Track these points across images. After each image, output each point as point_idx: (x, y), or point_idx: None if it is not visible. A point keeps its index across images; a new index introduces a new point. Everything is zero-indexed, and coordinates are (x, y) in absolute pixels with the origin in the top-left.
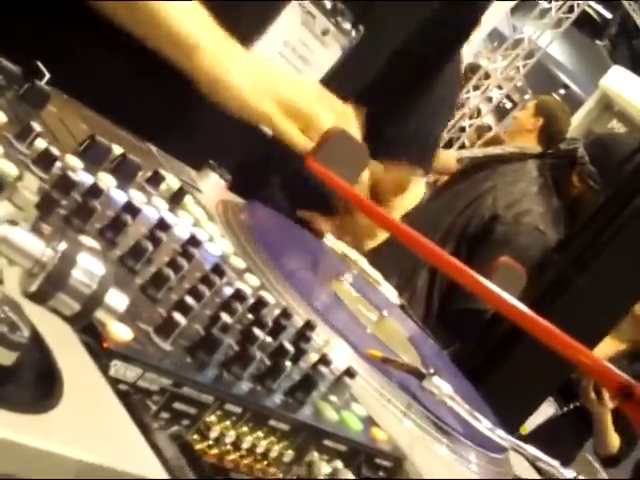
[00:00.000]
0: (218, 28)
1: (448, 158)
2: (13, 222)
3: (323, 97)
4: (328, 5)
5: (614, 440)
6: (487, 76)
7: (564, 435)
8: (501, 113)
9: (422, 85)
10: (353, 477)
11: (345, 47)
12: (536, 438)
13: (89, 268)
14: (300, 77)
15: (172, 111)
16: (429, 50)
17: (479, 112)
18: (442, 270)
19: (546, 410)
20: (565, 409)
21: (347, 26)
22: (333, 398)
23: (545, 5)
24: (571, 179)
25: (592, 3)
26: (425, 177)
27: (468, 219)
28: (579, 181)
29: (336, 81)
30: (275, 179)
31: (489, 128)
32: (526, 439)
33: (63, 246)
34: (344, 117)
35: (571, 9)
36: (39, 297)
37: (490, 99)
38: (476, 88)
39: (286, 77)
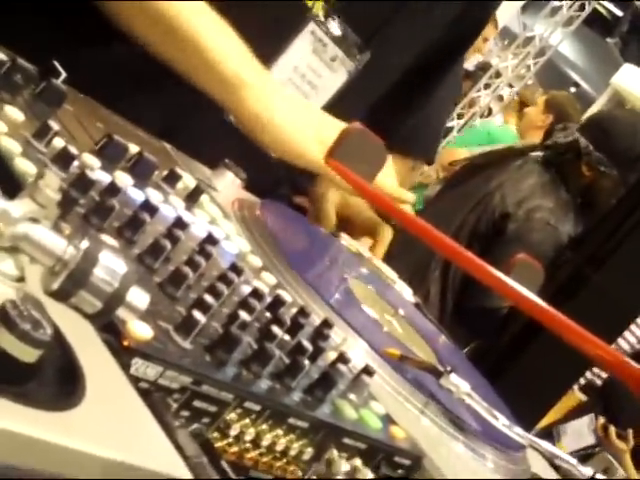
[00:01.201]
0: (259, 64)
1: (458, 154)
2: (35, 220)
3: None
4: (338, 32)
5: None
6: (498, 75)
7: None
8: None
9: (428, 87)
10: (372, 475)
11: (351, 71)
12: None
13: (111, 266)
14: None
15: (187, 109)
16: (436, 57)
17: (490, 111)
18: (461, 266)
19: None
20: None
21: (355, 51)
22: (352, 396)
23: (556, 3)
24: (580, 170)
25: (603, 1)
26: (426, 167)
27: (477, 218)
28: (589, 170)
29: (343, 103)
30: (289, 178)
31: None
32: None
33: (85, 244)
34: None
35: (582, 7)
36: (61, 295)
37: (501, 98)
38: (487, 87)
39: (328, 119)
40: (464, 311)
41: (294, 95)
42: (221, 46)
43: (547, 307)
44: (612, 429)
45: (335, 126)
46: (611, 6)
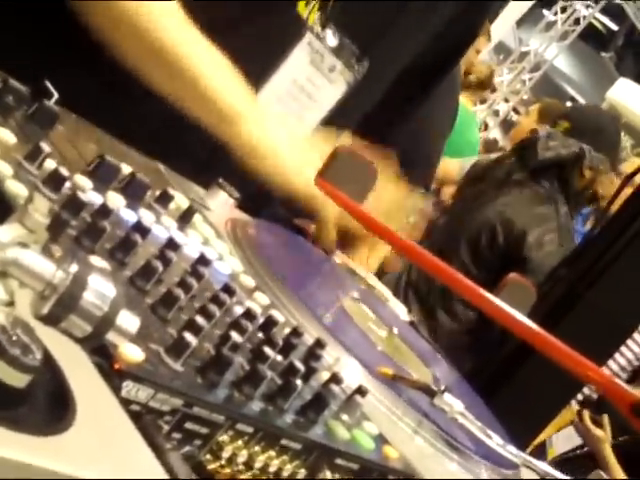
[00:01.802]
0: (253, 96)
1: (450, 166)
2: (24, 244)
3: None
4: (335, 43)
5: (619, 476)
6: (493, 89)
7: (587, 469)
8: (508, 126)
9: (422, 97)
10: None
11: (350, 81)
12: (561, 464)
13: (100, 290)
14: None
15: (180, 129)
16: (430, 64)
17: (486, 126)
18: (450, 287)
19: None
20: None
21: (353, 61)
22: (344, 417)
23: (551, 18)
24: (582, 174)
25: (598, 15)
26: (425, 192)
27: (479, 246)
28: (590, 169)
29: (341, 114)
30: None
31: (496, 142)
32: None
33: (74, 268)
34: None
35: (577, 21)
36: (51, 319)
37: (497, 112)
38: (483, 102)
39: (325, 148)
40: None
41: (288, 124)
42: (217, 79)
43: (537, 329)
44: (586, 413)
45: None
46: (606, 20)
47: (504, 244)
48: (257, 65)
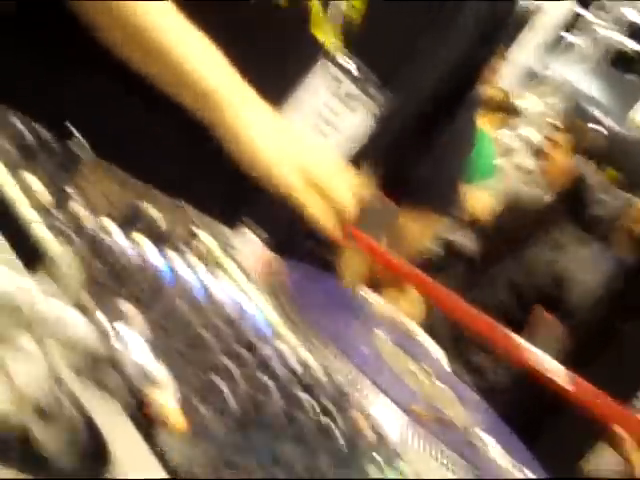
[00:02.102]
0: (240, 78)
1: (482, 199)
2: (55, 297)
3: (341, 168)
4: (355, 72)
5: None
6: (518, 114)
7: None
8: (535, 151)
9: (445, 122)
10: None
11: (371, 110)
12: None
13: (133, 343)
14: (319, 144)
15: (203, 166)
16: (451, 90)
17: (513, 151)
18: (479, 332)
19: None
20: None
21: (372, 90)
22: (378, 457)
23: (575, 41)
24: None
25: (623, 38)
26: (448, 219)
27: (525, 290)
28: None
29: (368, 147)
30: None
31: (524, 167)
32: None
33: (104, 319)
34: (360, 189)
35: (602, 44)
36: (85, 374)
37: (523, 137)
38: (508, 126)
39: (308, 143)
40: None
41: (274, 114)
42: (201, 62)
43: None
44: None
45: (314, 151)
46: (632, 43)
47: (549, 289)
48: (271, 88)
